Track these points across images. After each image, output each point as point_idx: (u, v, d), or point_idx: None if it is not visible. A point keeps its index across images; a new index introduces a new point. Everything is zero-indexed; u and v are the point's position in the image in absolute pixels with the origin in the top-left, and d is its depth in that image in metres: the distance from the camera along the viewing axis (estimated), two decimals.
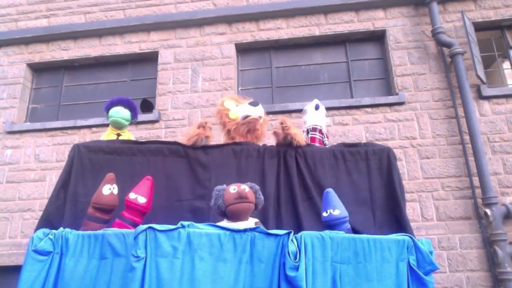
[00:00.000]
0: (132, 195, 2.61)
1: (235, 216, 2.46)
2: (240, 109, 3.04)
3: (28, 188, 5.25)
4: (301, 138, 2.99)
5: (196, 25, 5.73)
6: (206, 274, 2.18)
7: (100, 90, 5.91)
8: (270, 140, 3.35)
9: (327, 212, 2.57)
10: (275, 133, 3.08)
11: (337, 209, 2.53)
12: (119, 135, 3.35)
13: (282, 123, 2.94)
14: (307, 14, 5.58)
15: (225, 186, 2.58)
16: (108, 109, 3.36)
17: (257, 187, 2.63)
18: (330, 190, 2.65)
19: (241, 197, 2.47)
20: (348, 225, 2.56)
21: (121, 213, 2.64)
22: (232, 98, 3.25)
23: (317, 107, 3.46)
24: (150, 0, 5.94)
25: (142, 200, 2.62)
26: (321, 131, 3.39)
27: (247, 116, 3.01)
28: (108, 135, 3.37)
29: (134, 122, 3.52)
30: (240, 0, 5.74)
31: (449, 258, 4.35)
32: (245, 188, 2.54)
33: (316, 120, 3.43)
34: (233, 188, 2.52)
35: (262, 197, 2.62)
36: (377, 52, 5.56)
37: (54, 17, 6.09)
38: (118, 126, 3.34)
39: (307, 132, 3.42)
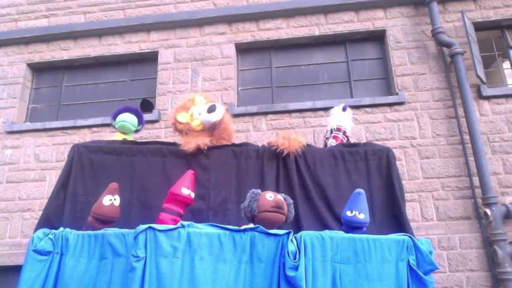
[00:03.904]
0: (185, 191, 2.63)
1: (265, 224, 2.40)
2: (200, 117, 3.03)
3: (28, 188, 5.25)
4: (298, 144, 2.99)
5: (196, 25, 5.73)
6: (206, 274, 2.18)
7: (100, 90, 5.91)
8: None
9: (351, 212, 2.52)
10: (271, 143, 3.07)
11: (362, 213, 2.51)
12: (125, 140, 3.38)
13: (274, 146, 2.96)
14: (307, 14, 5.57)
15: (260, 191, 2.54)
16: (115, 116, 3.42)
17: (291, 201, 2.59)
18: (362, 191, 2.60)
19: (278, 207, 2.43)
20: (364, 231, 2.56)
21: (166, 206, 2.62)
22: (179, 108, 3.22)
23: (344, 108, 3.53)
24: (150, 0, 5.94)
25: (193, 195, 2.70)
26: (344, 133, 3.41)
27: (211, 123, 3.00)
28: (115, 138, 3.41)
29: (140, 129, 3.54)
30: (240, 0, 5.74)
31: (449, 258, 4.35)
32: (281, 198, 2.51)
33: (341, 122, 3.47)
34: (270, 196, 2.49)
35: (293, 211, 2.58)
36: (377, 52, 5.56)
37: (54, 17, 6.09)
38: (125, 130, 3.39)
39: (331, 132, 3.44)
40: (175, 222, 2.53)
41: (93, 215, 2.57)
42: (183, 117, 3.13)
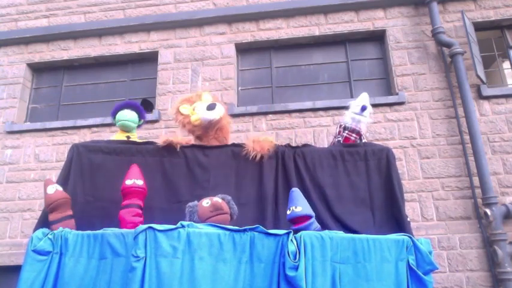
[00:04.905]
0: (128, 182, 2.63)
1: None
2: (199, 113, 3.05)
3: (28, 188, 5.25)
4: (268, 144, 2.98)
5: (196, 25, 5.73)
6: (206, 274, 2.18)
7: (100, 90, 5.91)
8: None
9: (289, 210, 2.53)
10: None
11: (299, 206, 2.50)
12: (128, 137, 3.33)
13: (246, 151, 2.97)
14: (307, 14, 5.57)
15: (196, 202, 2.57)
16: (114, 114, 3.34)
17: (229, 197, 2.62)
18: (295, 189, 2.63)
19: (217, 209, 2.46)
20: (316, 226, 2.53)
21: (121, 204, 2.61)
22: (184, 100, 3.25)
23: (363, 108, 3.19)
24: (150, 0, 5.94)
25: (140, 182, 2.67)
26: (359, 133, 3.20)
27: (208, 120, 3.02)
28: (117, 137, 3.34)
29: (143, 123, 3.49)
30: (240, 0, 5.74)
31: (449, 258, 4.35)
32: (218, 199, 2.54)
33: (357, 123, 3.21)
34: (206, 202, 2.51)
35: (235, 206, 2.61)
36: (377, 52, 5.56)
37: (54, 17, 6.09)
38: (126, 129, 3.32)
39: (344, 129, 3.22)
40: (133, 214, 2.56)
41: (49, 208, 2.57)
42: (185, 109, 3.16)
